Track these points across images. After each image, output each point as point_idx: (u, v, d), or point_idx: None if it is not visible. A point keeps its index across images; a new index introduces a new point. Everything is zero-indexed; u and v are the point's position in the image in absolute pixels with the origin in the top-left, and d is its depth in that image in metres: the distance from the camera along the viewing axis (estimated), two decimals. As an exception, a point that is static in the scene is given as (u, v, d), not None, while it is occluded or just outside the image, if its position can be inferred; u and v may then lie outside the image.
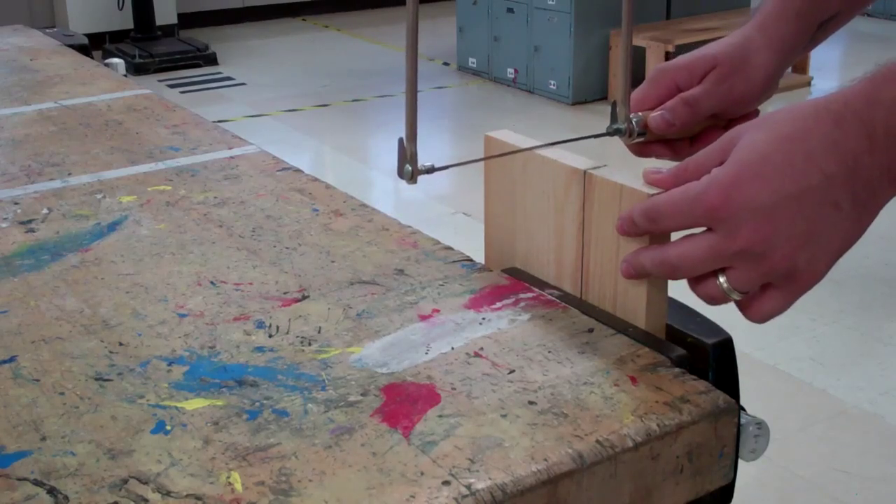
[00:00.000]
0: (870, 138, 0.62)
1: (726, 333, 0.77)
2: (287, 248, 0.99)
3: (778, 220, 0.65)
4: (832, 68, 5.73)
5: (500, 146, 0.87)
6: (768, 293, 0.68)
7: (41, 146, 1.34)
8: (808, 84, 5.17)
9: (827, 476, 2.20)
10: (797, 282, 0.67)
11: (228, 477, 0.64)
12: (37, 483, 0.63)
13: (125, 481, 0.64)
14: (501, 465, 0.64)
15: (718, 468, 0.72)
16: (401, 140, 0.76)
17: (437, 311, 0.85)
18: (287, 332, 0.82)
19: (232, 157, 1.27)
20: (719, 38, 0.87)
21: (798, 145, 0.64)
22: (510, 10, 5.35)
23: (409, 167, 0.76)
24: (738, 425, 0.72)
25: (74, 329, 0.84)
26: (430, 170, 0.77)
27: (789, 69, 1.10)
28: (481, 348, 0.78)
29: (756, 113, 0.79)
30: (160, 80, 5.70)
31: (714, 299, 0.70)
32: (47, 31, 2.13)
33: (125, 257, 0.98)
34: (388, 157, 4.21)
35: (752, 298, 0.69)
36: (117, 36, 6.32)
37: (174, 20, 6.60)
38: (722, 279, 0.69)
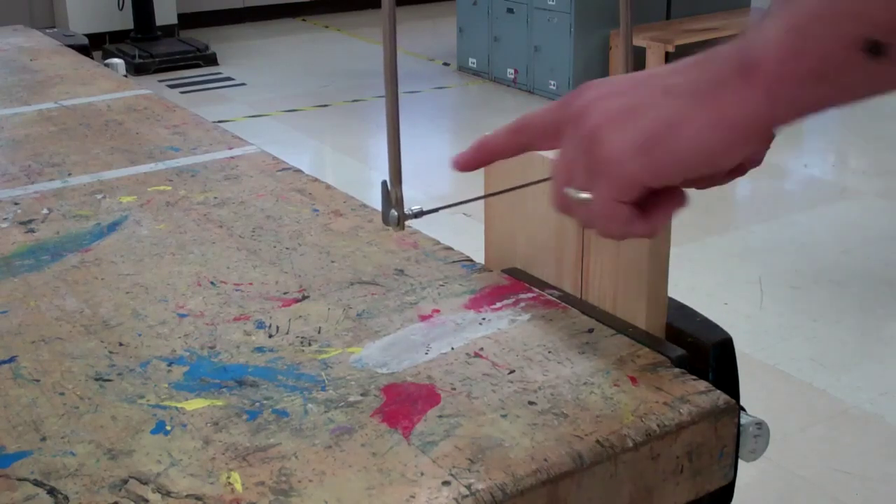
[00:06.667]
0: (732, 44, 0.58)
1: (726, 333, 0.77)
2: (287, 248, 0.99)
3: (606, 98, 0.61)
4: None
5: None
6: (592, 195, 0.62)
7: (41, 146, 1.34)
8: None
9: (827, 476, 2.20)
10: (599, 160, 0.60)
11: (228, 477, 0.64)
12: (37, 483, 0.63)
13: (125, 481, 0.63)
14: (501, 466, 0.64)
15: (718, 468, 0.72)
16: (384, 183, 0.72)
17: (438, 311, 0.85)
18: (287, 333, 0.82)
19: (232, 158, 1.27)
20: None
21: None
22: (510, 11, 5.34)
23: (394, 212, 0.72)
24: (738, 425, 0.72)
25: (74, 329, 0.84)
26: (419, 214, 0.73)
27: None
28: (481, 348, 0.78)
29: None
30: (160, 81, 5.70)
31: (562, 204, 0.65)
32: (47, 31, 2.13)
33: (125, 257, 0.98)
34: (388, 158, 4.20)
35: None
36: (117, 36, 6.32)
37: (174, 20, 6.59)
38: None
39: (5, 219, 1.09)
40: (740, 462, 0.73)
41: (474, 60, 5.67)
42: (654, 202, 0.62)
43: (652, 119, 0.59)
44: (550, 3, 5.09)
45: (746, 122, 0.56)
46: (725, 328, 0.78)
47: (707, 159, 0.58)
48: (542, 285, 0.87)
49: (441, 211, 0.72)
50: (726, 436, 0.71)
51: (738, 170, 0.70)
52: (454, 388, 0.73)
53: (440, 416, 0.69)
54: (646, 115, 0.59)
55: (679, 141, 0.58)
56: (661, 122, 0.58)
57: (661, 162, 0.58)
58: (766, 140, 0.58)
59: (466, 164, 0.71)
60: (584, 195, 0.61)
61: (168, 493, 0.62)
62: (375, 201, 0.89)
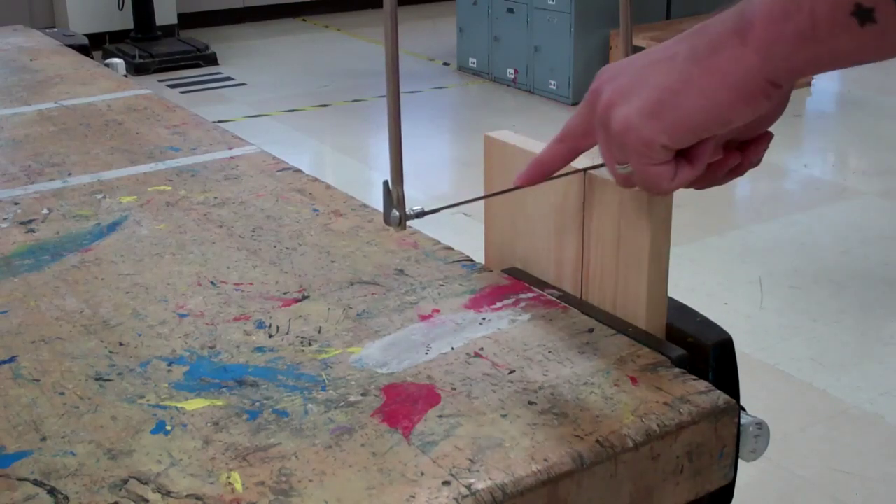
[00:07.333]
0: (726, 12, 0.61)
1: (726, 333, 0.77)
2: (287, 248, 0.99)
3: (613, 78, 0.65)
4: (832, 68, 5.72)
5: (500, 146, 0.87)
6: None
7: (41, 146, 1.34)
8: (809, 84, 5.17)
9: (827, 476, 2.20)
10: (617, 135, 0.64)
11: (228, 477, 0.64)
12: (37, 483, 0.63)
13: (125, 481, 0.64)
14: (501, 466, 0.64)
15: (718, 468, 0.72)
16: (386, 183, 0.73)
17: (438, 311, 0.85)
18: (287, 333, 0.82)
19: (232, 157, 1.27)
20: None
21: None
22: (510, 11, 5.34)
23: (396, 212, 0.73)
24: (739, 425, 0.72)
25: (74, 329, 0.84)
26: (421, 214, 0.74)
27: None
28: (481, 348, 0.78)
29: (769, 134, 0.74)
30: (160, 81, 5.70)
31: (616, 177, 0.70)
32: (47, 31, 2.13)
33: (125, 257, 0.98)
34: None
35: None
36: (117, 36, 6.32)
37: (174, 20, 6.59)
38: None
39: (5, 219, 1.09)
40: (740, 462, 0.73)
41: (474, 60, 5.66)
42: (694, 147, 0.65)
43: (654, 87, 0.62)
44: (550, 3, 5.09)
45: (746, 80, 0.59)
46: (725, 328, 0.78)
47: (716, 118, 0.61)
48: (542, 285, 0.87)
49: (441, 211, 0.73)
50: (726, 436, 0.71)
51: (737, 170, 0.71)
52: (454, 388, 0.73)
53: (440, 416, 0.69)
54: (650, 85, 0.62)
55: (684, 103, 0.61)
56: (665, 89, 0.62)
57: (672, 124, 0.62)
58: (771, 95, 0.60)
59: (527, 180, 0.75)
60: (628, 168, 0.66)
61: (168, 493, 0.62)
62: (375, 201, 0.89)
